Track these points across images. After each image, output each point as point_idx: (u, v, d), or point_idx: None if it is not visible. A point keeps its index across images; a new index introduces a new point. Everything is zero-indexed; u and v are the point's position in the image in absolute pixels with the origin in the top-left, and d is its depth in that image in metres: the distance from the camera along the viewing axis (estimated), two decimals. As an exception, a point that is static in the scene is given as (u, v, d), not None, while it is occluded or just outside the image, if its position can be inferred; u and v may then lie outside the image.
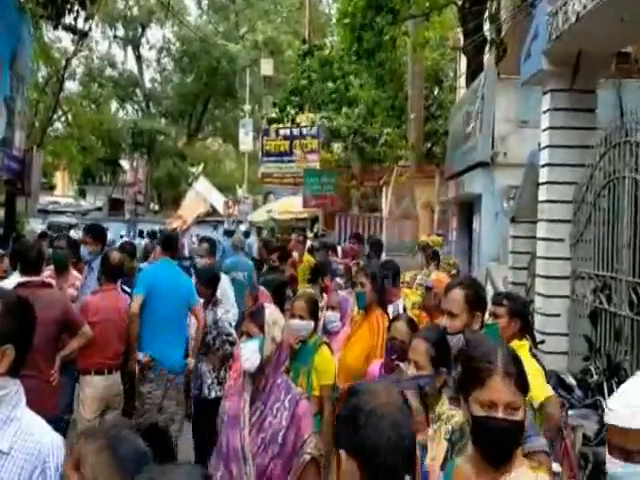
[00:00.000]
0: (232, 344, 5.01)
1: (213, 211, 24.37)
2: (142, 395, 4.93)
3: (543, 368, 5.22)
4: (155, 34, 67.39)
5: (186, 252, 14.64)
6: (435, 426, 2.53)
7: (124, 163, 36.78)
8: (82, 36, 12.54)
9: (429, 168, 15.36)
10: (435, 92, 18.40)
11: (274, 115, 14.94)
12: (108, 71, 38.64)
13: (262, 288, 5.39)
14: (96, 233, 5.51)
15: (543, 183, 6.52)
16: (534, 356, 4.07)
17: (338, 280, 5.77)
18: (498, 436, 1.78)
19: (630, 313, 5.07)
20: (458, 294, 2.94)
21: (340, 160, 21.04)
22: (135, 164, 35.29)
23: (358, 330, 4.16)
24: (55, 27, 11.52)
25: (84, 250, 5.39)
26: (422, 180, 14.50)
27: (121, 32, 39.18)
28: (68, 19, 11.31)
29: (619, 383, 4.36)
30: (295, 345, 3.86)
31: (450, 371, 2.74)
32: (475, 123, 9.52)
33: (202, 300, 5.21)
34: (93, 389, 4.71)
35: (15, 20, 11.13)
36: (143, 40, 40.49)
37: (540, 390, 3.15)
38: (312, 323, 3.90)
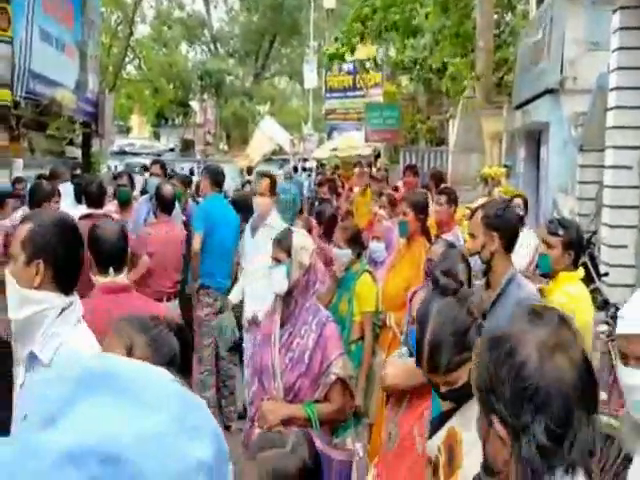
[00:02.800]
0: None
1: (279, 149, 24.57)
2: (200, 318, 5.25)
3: (604, 300, 5.17)
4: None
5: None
6: None
7: (194, 104, 37.31)
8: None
9: (499, 99, 14.79)
10: (507, 18, 17.47)
11: (334, 50, 14.61)
12: (177, 13, 38.75)
13: (311, 219, 5.55)
14: (163, 166, 5.76)
15: (612, 108, 6.25)
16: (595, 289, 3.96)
17: (381, 211, 5.83)
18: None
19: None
20: (477, 216, 2.98)
21: (406, 93, 20.56)
22: (204, 105, 35.75)
23: (400, 259, 4.25)
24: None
25: (152, 181, 5.66)
26: (490, 111, 14.01)
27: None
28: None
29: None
30: (339, 274, 4.02)
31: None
32: (543, 47, 9.08)
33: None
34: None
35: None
36: (210, -21, 40.22)
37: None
38: (350, 251, 4.03)
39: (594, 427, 1.14)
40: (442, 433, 1.92)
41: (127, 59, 21.31)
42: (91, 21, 12.04)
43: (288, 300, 2.85)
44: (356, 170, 10.03)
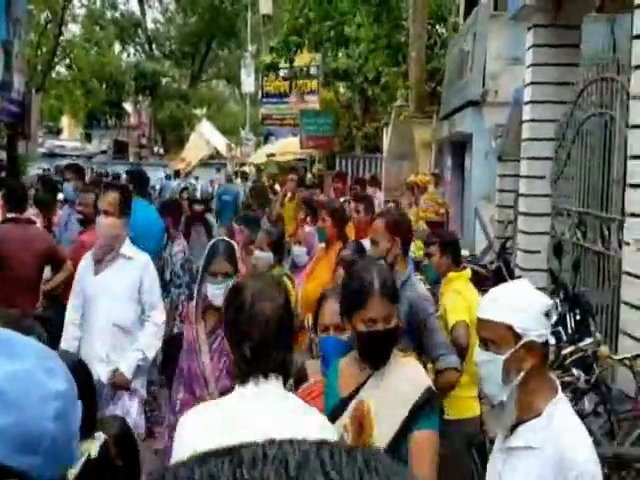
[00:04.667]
0: (178, 287, 5.21)
1: (217, 153, 24.39)
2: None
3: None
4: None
5: (198, 194, 14.74)
6: None
7: (127, 106, 36.54)
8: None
9: (431, 108, 15.23)
10: (438, 30, 18.01)
11: (270, 60, 14.74)
12: (110, 13, 37.87)
13: (235, 225, 5.59)
14: (77, 170, 5.67)
15: (526, 121, 6.59)
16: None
17: (301, 215, 5.95)
18: (380, 344, 2.13)
19: (601, 247, 5.24)
20: (378, 222, 3.24)
21: (342, 100, 20.84)
22: (138, 107, 35.08)
23: (319, 264, 4.37)
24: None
25: (68, 187, 5.56)
26: (421, 120, 14.40)
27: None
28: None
29: (581, 314, 4.58)
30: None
31: None
32: (467, 61, 9.44)
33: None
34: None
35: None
36: (145, -21, 39.52)
37: (454, 314, 3.36)
38: (271, 255, 4.10)
39: (285, 353, 1.80)
40: (347, 412, 2.11)
41: (57, 59, 20.65)
42: (16, 19, 11.63)
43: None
44: (289, 177, 10.12)
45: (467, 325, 3.25)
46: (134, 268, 3.66)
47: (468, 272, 3.77)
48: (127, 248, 3.73)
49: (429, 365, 3.02)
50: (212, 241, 3.29)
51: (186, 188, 9.83)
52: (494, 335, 1.83)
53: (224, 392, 2.72)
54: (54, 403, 0.85)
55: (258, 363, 1.74)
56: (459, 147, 10.57)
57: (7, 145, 13.04)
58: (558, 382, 1.91)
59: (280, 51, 13.59)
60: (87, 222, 5.10)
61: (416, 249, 5.88)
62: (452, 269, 3.68)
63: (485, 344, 1.87)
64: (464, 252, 8.00)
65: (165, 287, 5.34)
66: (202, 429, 1.67)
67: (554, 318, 1.91)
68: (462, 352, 3.10)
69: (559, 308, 4.96)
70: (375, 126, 19.58)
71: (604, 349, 3.96)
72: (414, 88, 14.89)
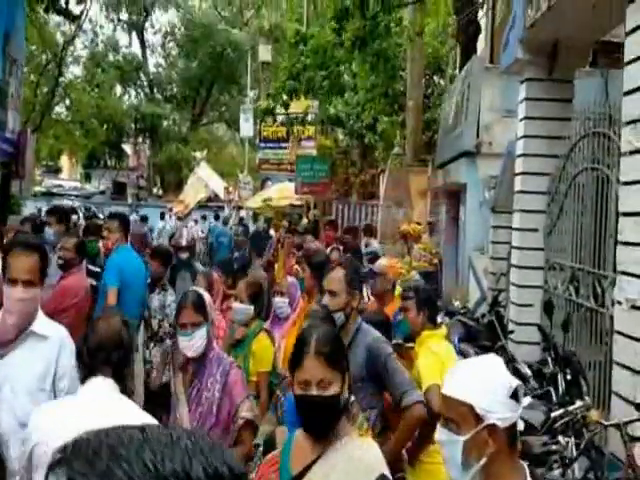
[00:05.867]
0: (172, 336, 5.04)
1: (215, 196, 24.43)
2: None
3: (509, 358, 5.28)
4: (160, 19, 67.40)
5: (183, 241, 14.60)
6: None
7: (127, 147, 36.83)
8: (74, 19, 12.53)
9: (426, 157, 15.31)
10: (435, 80, 18.28)
11: (266, 106, 14.91)
12: (112, 55, 38.59)
13: (214, 273, 5.44)
14: (60, 215, 5.56)
15: (519, 173, 6.52)
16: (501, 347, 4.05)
17: (296, 266, 5.80)
18: (313, 411, 1.96)
19: (594, 304, 5.09)
20: (338, 273, 3.14)
21: (340, 147, 20.99)
22: (138, 148, 35.32)
23: (300, 316, 4.20)
24: (46, 10, 11.53)
25: (49, 231, 5.44)
26: (417, 168, 14.45)
27: (125, 16, 39.06)
28: (61, 2, 11.30)
29: (572, 374, 4.40)
30: (237, 330, 3.92)
31: None
32: (462, 111, 9.47)
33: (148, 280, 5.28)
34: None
35: (7, 3, 11.16)
36: (147, 25, 40.40)
37: (428, 377, 3.21)
38: (251, 308, 3.95)
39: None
40: None
41: (56, 99, 20.87)
42: (13, 59, 11.74)
43: (196, 357, 2.96)
44: (284, 223, 10.04)
45: (440, 388, 3.11)
46: (48, 349, 2.74)
47: (443, 330, 3.65)
48: (41, 323, 2.80)
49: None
50: (182, 293, 3.22)
51: (173, 235, 9.77)
52: (454, 414, 1.68)
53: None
54: None
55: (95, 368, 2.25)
56: (454, 196, 10.52)
57: (0, 184, 12.97)
58: (527, 469, 1.74)
59: (276, 96, 13.73)
60: (67, 267, 4.98)
61: None
62: (427, 327, 3.54)
63: (446, 422, 1.72)
64: (456, 304, 7.87)
65: (152, 338, 5.22)
66: (50, 417, 2.20)
67: (524, 400, 1.74)
68: (434, 418, 2.94)
69: (550, 367, 4.80)
70: (372, 173, 19.67)
71: (594, 413, 3.77)
72: (411, 137, 15.01)
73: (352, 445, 1.99)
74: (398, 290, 5.06)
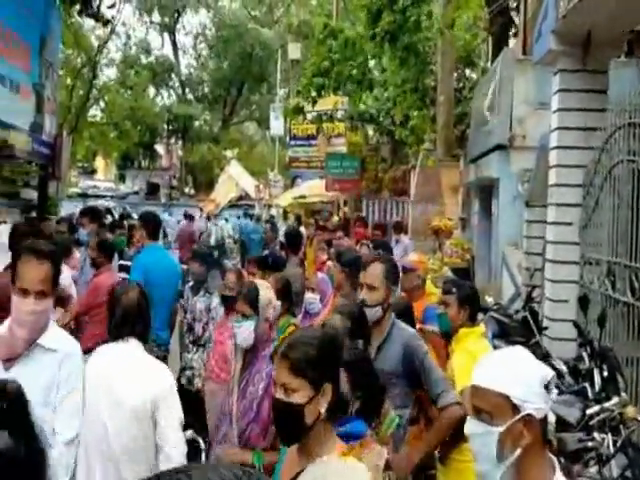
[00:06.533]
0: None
1: (245, 195, 24.64)
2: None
3: (544, 354, 5.19)
4: (191, 20, 68.14)
5: (212, 240, 14.78)
6: None
7: (159, 148, 37.40)
8: (105, 23, 12.76)
9: (457, 151, 15.14)
10: (467, 73, 18.06)
11: (296, 104, 14.92)
12: (145, 57, 39.16)
13: (242, 269, 5.45)
14: (92, 215, 5.66)
15: (553, 166, 6.40)
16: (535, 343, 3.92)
17: (329, 262, 5.78)
18: (275, 413, 1.92)
19: (631, 299, 4.98)
20: (377, 268, 3.10)
21: (370, 144, 20.90)
22: (170, 149, 35.84)
23: (331, 312, 4.20)
24: (79, 14, 11.77)
25: (82, 232, 5.55)
26: (449, 164, 14.31)
27: (157, 18, 39.58)
28: (94, 6, 11.52)
29: (609, 370, 4.30)
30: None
31: (368, 342, 2.84)
32: (494, 104, 9.34)
33: (191, 283, 5.28)
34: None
35: (43, 7, 11.42)
36: (179, 26, 40.89)
37: (462, 378, 3.12)
38: (279, 304, 3.97)
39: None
40: None
41: (91, 102, 21.30)
42: (49, 63, 12.00)
43: (250, 350, 3.00)
44: (311, 220, 10.05)
45: None
46: (54, 364, 2.59)
47: (481, 328, 3.59)
48: (50, 336, 2.61)
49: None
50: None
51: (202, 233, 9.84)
52: (489, 405, 1.66)
53: (240, 434, 2.89)
54: None
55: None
56: (486, 191, 10.38)
57: (38, 186, 13.30)
58: (556, 462, 1.71)
59: (304, 93, 13.73)
60: (96, 265, 5.09)
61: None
62: (466, 325, 3.48)
63: (478, 414, 1.69)
64: (489, 300, 7.76)
65: (195, 342, 5.10)
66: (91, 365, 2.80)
67: (554, 393, 1.72)
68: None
69: (586, 363, 4.70)
70: (403, 169, 19.54)
71: (631, 410, 3.69)
72: (442, 131, 14.85)
73: (335, 463, 1.87)
74: (428, 286, 5.02)
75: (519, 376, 1.65)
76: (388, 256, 3.40)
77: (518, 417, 1.62)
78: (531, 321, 5.99)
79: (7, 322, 2.58)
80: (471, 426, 1.71)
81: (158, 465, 2.70)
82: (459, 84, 16.89)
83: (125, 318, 2.82)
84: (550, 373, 1.70)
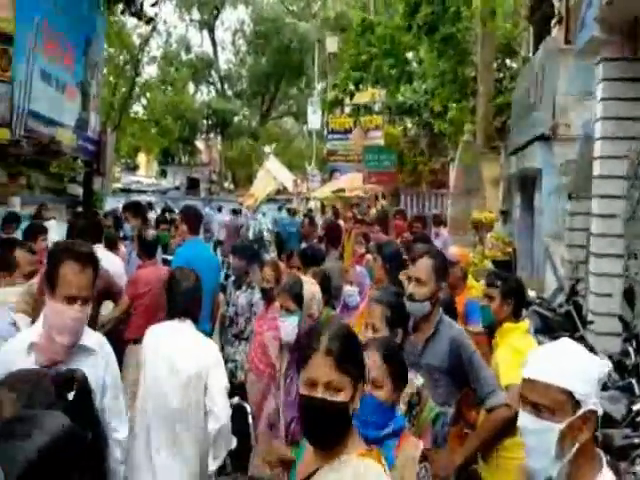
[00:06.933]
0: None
1: (283, 189, 24.77)
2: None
3: (589, 349, 5.09)
4: (229, 16, 68.61)
5: (250, 234, 14.99)
6: None
7: (199, 144, 37.91)
8: (148, 22, 13.01)
9: (498, 143, 14.90)
10: (507, 63, 17.73)
11: (333, 97, 14.93)
12: (185, 54, 39.68)
13: (279, 262, 5.47)
14: (136, 210, 5.79)
15: (597, 157, 6.27)
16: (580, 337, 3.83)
17: (368, 255, 5.77)
18: (316, 415, 1.71)
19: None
20: (427, 262, 3.03)
21: (408, 136, 20.75)
22: (210, 144, 36.31)
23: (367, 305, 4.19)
24: (122, 13, 12.03)
25: (127, 226, 5.68)
26: (490, 155, 14.10)
27: (197, 16, 40.04)
28: (137, 5, 11.77)
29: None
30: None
31: (407, 332, 2.82)
32: (536, 94, 9.17)
33: (233, 277, 5.32)
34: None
35: (88, 8, 11.72)
36: (218, 22, 41.27)
37: (507, 375, 3.07)
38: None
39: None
40: None
41: (133, 99, 21.73)
42: (94, 62, 12.32)
43: (293, 345, 3.08)
44: (350, 213, 10.06)
45: None
46: (97, 365, 2.54)
47: (526, 324, 3.48)
48: (88, 337, 2.56)
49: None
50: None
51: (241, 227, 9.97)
52: (550, 401, 1.61)
53: (285, 429, 3.02)
54: None
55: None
56: (528, 183, 10.22)
57: (84, 181, 13.67)
58: (604, 457, 1.69)
59: (341, 86, 13.72)
60: (142, 259, 5.21)
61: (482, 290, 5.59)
62: (510, 320, 3.39)
63: (536, 409, 1.65)
64: (531, 294, 7.65)
65: (238, 336, 5.15)
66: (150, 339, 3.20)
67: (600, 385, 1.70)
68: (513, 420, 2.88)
69: (632, 358, 4.61)
70: (441, 161, 19.35)
71: (680, 407, 3.61)
72: (482, 123, 14.63)
73: (354, 463, 1.74)
74: (469, 280, 4.97)
75: (581, 371, 1.62)
76: (438, 250, 3.31)
77: (580, 413, 1.60)
78: (575, 315, 5.90)
79: (35, 328, 2.50)
80: (527, 422, 1.67)
81: (207, 425, 3.05)
82: (499, 74, 16.60)
83: (184, 300, 3.20)
84: (607, 367, 1.67)
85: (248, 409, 3.94)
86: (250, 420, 3.88)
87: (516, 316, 3.44)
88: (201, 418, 3.06)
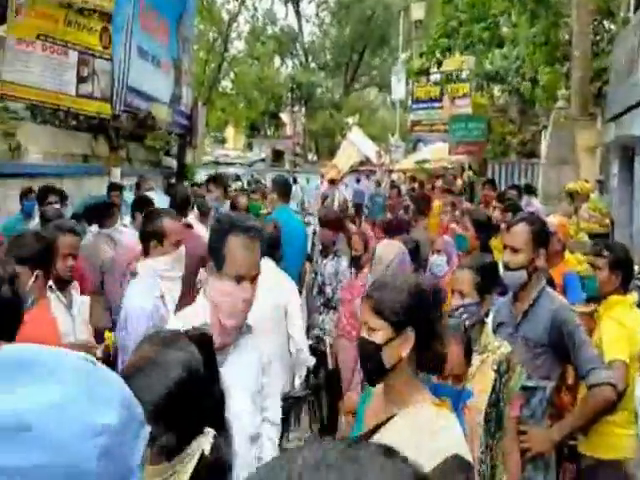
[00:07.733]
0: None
1: (366, 160, 24.71)
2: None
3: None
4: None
5: (335, 205, 15.09)
6: (482, 357, 2.54)
7: (284, 116, 38.26)
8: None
9: (594, 110, 14.17)
10: (605, 25, 16.73)
11: (419, 66, 14.63)
12: (271, 28, 39.96)
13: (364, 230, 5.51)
14: (218, 181, 6.01)
15: None
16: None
17: (453, 225, 5.71)
18: (359, 352, 1.94)
19: None
20: (522, 229, 2.91)
21: (496, 104, 20.08)
22: (294, 117, 36.58)
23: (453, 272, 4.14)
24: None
25: (210, 197, 5.91)
26: (584, 123, 13.45)
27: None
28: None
29: None
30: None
31: (487, 294, 2.75)
32: (637, 58, 8.65)
33: (320, 247, 5.44)
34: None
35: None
36: (303, -5, 41.12)
37: (612, 350, 2.95)
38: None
39: None
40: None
41: (222, 74, 22.21)
42: (185, 37, 12.71)
43: None
44: (438, 184, 9.95)
45: (626, 366, 2.93)
46: (254, 345, 2.35)
47: (634, 297, 3.28)
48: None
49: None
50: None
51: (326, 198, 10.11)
52: None
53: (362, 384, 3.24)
54: (98, 439, 0.73)
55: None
56: (628, 151, 9.70)
57: (177, 154, 14.24)
58: None
59: (428, 55, 13.43)
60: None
61: (577, 263, 5.40)
62: (617, 292, 3.21)
63: None
64: (635, 268, 7.32)
65: (326, 304, 5.18)
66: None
67: None
68: (617, 396, 2.81)
69: None
70: (532, 130, 18.62)
71: None
72: (577, 88, 13.94)
73: (424, 416, 1.80)
74: (568, 255, 4.79)
75: None
76: (537, 216, 3.17)
77: None
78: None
79: (195, 307, 2.31)
80: None
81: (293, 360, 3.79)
82: (596, 37, 15.71)
83: (267, 243, 3.37)
84: None
85: (327, 341, 4.63)
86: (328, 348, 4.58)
87: (624, 288, 3.26)
88: (286, 355, 3.72)
